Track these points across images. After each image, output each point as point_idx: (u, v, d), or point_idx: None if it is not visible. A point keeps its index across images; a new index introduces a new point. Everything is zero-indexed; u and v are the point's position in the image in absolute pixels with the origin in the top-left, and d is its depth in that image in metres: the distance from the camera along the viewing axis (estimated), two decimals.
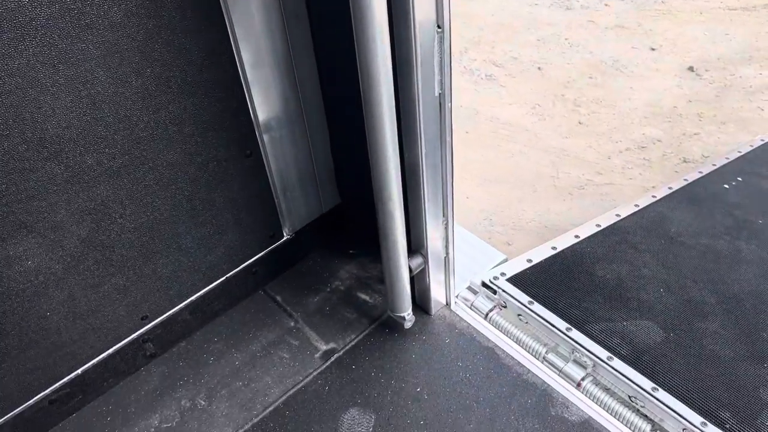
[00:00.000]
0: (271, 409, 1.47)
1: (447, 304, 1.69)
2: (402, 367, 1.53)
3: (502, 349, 1.56)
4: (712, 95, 3.51)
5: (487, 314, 1.67)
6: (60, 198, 1.24)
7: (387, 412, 1.43)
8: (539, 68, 3.95)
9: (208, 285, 1.65)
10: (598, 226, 1.94)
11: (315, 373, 1.54)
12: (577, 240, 1.88)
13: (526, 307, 1.64)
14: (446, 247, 1.56)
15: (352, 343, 1.61)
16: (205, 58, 1.35)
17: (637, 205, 2.04)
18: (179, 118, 1.37)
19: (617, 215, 1.99)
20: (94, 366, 1.48)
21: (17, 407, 1.38)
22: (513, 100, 3.66)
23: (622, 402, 1.44)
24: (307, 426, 1.42)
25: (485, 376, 1.50)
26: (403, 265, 1.45)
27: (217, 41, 1.35)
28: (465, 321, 1.64)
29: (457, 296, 1.71)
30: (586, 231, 1.92)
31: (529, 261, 1.80)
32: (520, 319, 1.66)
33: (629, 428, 1.39)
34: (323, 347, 1.61)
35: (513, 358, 1.54)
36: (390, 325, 1.64)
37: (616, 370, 1.46)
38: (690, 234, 1.90)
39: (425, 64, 1.20)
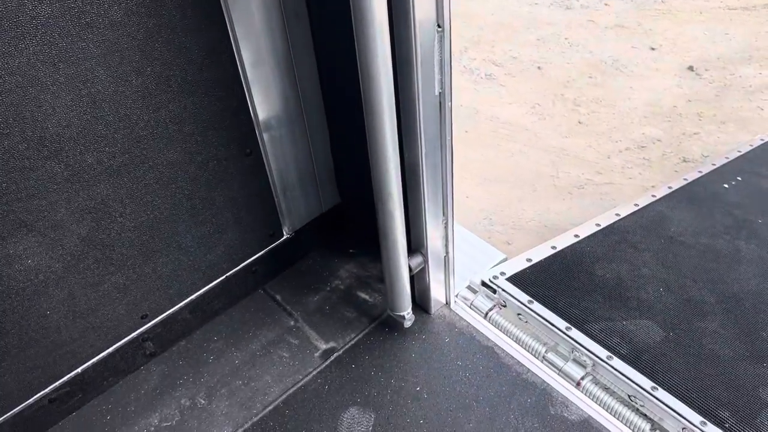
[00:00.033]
0: (270, 408, 1.47)
1: (447, 304, 1.69)
2: (402, 366, 1.54)
3: (502, 349, 1.56)
4: (712, 95, 3.51)
5: (486, 313, 1.67)
6: (60, 197, 1.24)
7: (386, 411, 1.44)
8: (539, 68, 3.95)
9: (208, 284, 1.65)
10: (598, 225, 1.94)
11: (315, 372, 1.54)
12: (576, 239, 1.88)
13: (525, 306, 1.64)
14: (446, 246, 1.56)
15: (352, 342, 1.61)
16: (205, 57, 1.35)
17: (636, 205, 2.04)
18: (179, 117, 1.37)
19: (617, 215, 1.99)
20: (94, 365, 1.48)
21: (17, 406, 1.38)
22: (513, 100, 3.66)
23: (622, 401, 1.44)
24: (307, 425, 1.42)
25: (485, 375, 1.50)
26: (402, 264, 1.45)
27: (217, 40, 1.35)
28: (465, 320, 1.64)
29: (456, 295, 1.71)
30: (586, 230, 1.92)
31: (529, 260, 1.80)
32: (520, 319, 1.66)
33: (629, 427, 1.39)
34: (323, 346, 1.61)
35: (512, 357, 1.54)
36: (390, 325, 1.64)
37: (615, 370, 1.47)
38: (689, 233, 1.90)
39: (425, 64, 1.20)
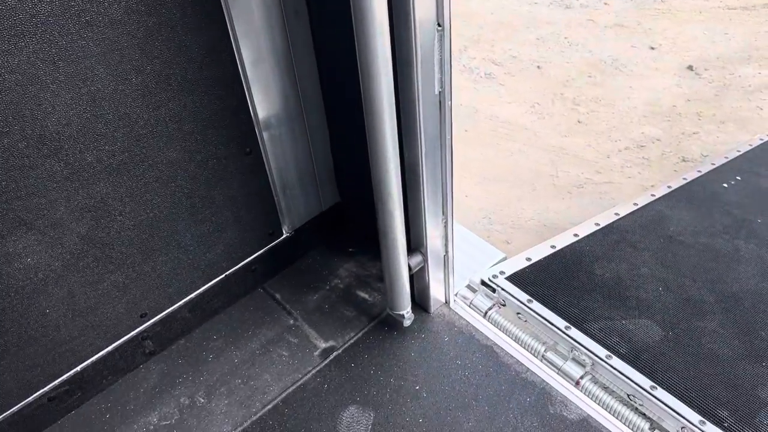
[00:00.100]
0: (270, 406, 1.47)
1: (446, 303, 1.69)
2: (401, 365, 1.54)
3: (501, 348, 1.56)
4: (711, 94, 3.51)
5: (486, 312, 1.67)
6: (59, 195, 1.24)
7: (386, 410, 1.44)
8: (538, 67, 3.95)
9: (208, 283, 1.65)
10: (597, 224, 1.95)
11: (314, 371, 1.54)
12: (576, 239, 1.88)
13: (525, 305, 1.64)
14: (445, 245, 1.57)
15: (352, 341, 1.61)
16: (205, 56, 1.35)
17: (636, 204, 2.04)
18: (179, 116, 1.37)
19: (616, 214, 1.99)
20: (94, 363, 1.48)
21: (16, 404, 1.38)
22: (512, 99, 3.66)
23: (621, 400, 1.44)
24: (306, 424, 1.42)
25: (484, 374, 1.50)
26: (402, 263, 1.45)
27: (217, 39, 1.35)
28: (464, 319, 1.64)
29: (456, 294, 1.71)
30: (585, 230, 1.92)
31: (528, 259, 1.80)
32: (519, 318, 1.66)
33: (628, 427, 1.39)
34: (322, 345, 1.61)
35: (512, 356, 1.54)
36: (389, 324, 1.64)
37: (614, 369, 1.47)
38: (689, 233, 1.90)
39: (425, 63, 1.20)
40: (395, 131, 1.22)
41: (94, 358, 1.48)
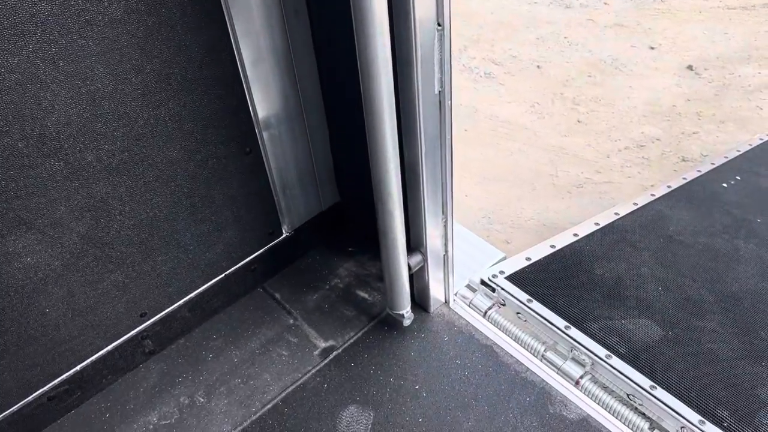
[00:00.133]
0: (269, 406, 1.47)
1: (446, 302, 1.69)
2: (401, 365, 1.54)
3: (501, 347, 1.56)
4: (711, 94, 3.51)
5: (485, 312, 1.67)
6: (59, 194, 1.24)
7: (386, 409, 1.44)
8: (538, 66, 3.95)
9: (207, 282, 1.65)
10: (597, 224, 1.95)
11: (314, 371, 1.54)
12: (575, 238, 1.88)
13: (524, 305, 1.64)
14: (445, 245, 1.57)
15: (351, 340, 1.61)
16: (205, 55, 1.35)
17: (635, 204, 2.04)
18: (179, 115, 1.37)
19: (616, 214, 1.99)
20: (93, 363, 1.48)
21: (16, 404, 1.38)
22: (512, 99, 3.66)
23: (621, 400, 1.44)
24: (306, 423, 1.42)
25: (484, 374, 1.50)
26: (402, 263, 1.45)
27: (217, 38, 1.35)
28: (464, 319, 1.64)
29: (456, 294, 1.71)
30: (585, 229, 1.93)
31: (528, 259, 1.80)
32: (519, 317, 1.67)
33: (627, 426, 1.39)
34: (322, 345, 1.61)
35: (511, 356, 1.54)
36: (389, 323, 1.65)
37: (614, 369, 1.47)
38: (688, 233, 1.90)
39: (425, 62, 1.20)
40: (395, 131, 1.22)
41: (93, 358, 1.48)
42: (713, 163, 2.27)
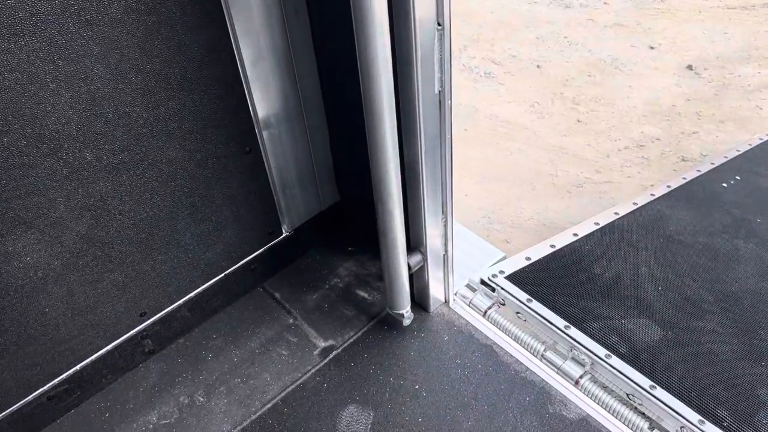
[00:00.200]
0: (269, 405, 1.47)
1: (446, 302, 1.69)
2: (400, 365, 1.54)
3: (501, 347, 1.56)
4: (711, 94, 3.51)
5: (485, 312, 1.67)
6: (59, 194, 1.24)
7: (385, 409, 1.44)
8: (538, 66, 3.95)
9: (207, 282, 1.65)
10: (597, 224, 1.95)
11: (313, 370, 1.54)
12: (575, 238, 1.89)
13: (524, 304, 1.64)
14: (445, 244, 1.57)
15: (351, 340, 1.61)
16: (204, 55, 1.34)
17: (635, 204, 2.04)
18: (179, 115, 1.36)
19: (616, 213, 1.99)
20: (93, 362, 1.48)
21: (16, 403, 1.38)
22: (512, 98, 3.66)
23: (620, 400, 1.44)
24: (306, 423, 1.42)
25: (484, 374, 1.50)
26: (402, 262, 1.45)
27: (217, 38, 1.35)
28: (463, 318, 1.64)
29: (455, 294, 1.71)
30: (585, 229, 1.93)
31: (528, 259, 1.80)
32: (519, 317, 1.67)
33: (627, 426, 1.39)
34: (322, 344, 1.61)
35: (511, 355, 1.54)
36: (389, 323, 1.65)
37: (614, 368, 1.47)
38: (688, 232, 1.91)
39: (425, 62, 1.20)
40: (395, 130, 1.22)
41: (93, 357, 1.48)
42: (713, 163, 2.27)
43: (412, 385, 1.48)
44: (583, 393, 1.46)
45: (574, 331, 1.56)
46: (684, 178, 2.18)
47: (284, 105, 1.57)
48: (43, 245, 1.27)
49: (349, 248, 1.90)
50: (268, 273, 1.80)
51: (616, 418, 1.41)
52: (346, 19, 1.09)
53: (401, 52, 1.19)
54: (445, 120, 1.31)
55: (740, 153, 2.35)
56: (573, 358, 1.53)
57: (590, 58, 3.98)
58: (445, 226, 1.52)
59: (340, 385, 1.50)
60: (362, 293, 1.75)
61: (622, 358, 1.49)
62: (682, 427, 1.36)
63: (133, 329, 1.54)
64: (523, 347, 1.58)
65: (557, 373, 1.51)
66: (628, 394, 1.45)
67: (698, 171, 2.23)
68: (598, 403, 1.44)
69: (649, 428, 1.39)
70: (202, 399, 1.51)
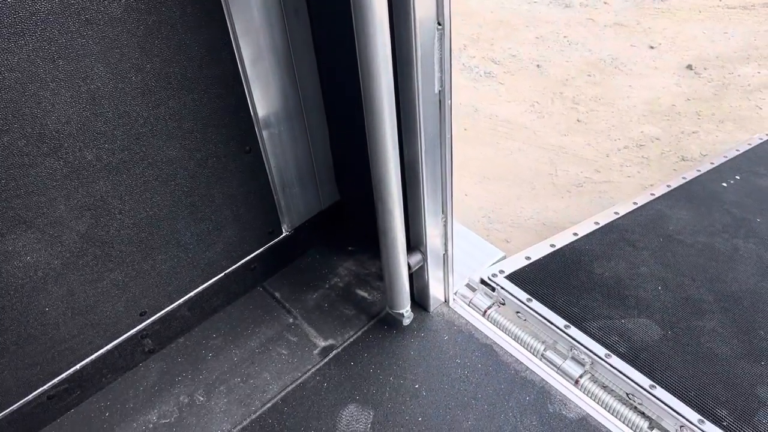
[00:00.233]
0: (269, 405, 1.47)
1: (446, 301, 1.69)
2: (400, 364, 1.54)
3: (501, 347, 1.56)
4: (711, 94, 3.51)
5: (485, 311, 1.68)
6: (59, 193, 1.24)
7: (385, 408, 1.44)
8: (538, 66, 3.95)
9: (207, 281, 1.65)
10: (597, 223, 1.95)
11: (313, 370, 1.54)
12: (575, 238, 1.89)
13: (524, 304, 1.64)
14: (445, 244, 1.57)
15: (351, 339, 1.61)
16: (204, 55, 1.34)
17: (635, 203, 2.04)
18: (179, 114, 1.36)
19: (615, 213, 1.99)
20: (93, 362, 1.48)
21: (15, 403, 1.38)
22: (512, 98, 3.66)
23: (620, 399, 1.44)
24: (306, 422, 1.42)
25: (483, 373, 1.50)
26: (402, 262, 1.45)
27: (217, 37, 1.35)
28: (463, 318, 1.64)
29: (455, 293, 1.71)
30: (585, 229, 1.93)
31: (528, 258, 1.80)
32: (519, 317, 1.67)
33: (627, 425, 1.39)
34: (322, 344, 1.61)
35: (511, 355, 1.54)
36: (388, 322, 1.65)
37: (614, 368, 1.47)
38: (688, 232, 1.91)
39: (425, 61, 1.20)
40: (395, 130, 1.22)
41: (93, 357, 1.48)
42: (713, 163, 2.27)
43: (412, 385, 1.49)
44: (583, 392, 1.46)
45: (573, 331, 1.56)
46: (684, 178, 2.18)
47: (284, 104, 1.57)
48: (43, 244, 1.27)
49: (349, 248, 1.90)
50: (268, 272, 1.80)
51: (615, 417, 1.41)
52: (346, 19, 1.09)
53: (401, 52, 1.19)
54: (445, 119, 1.31)
55: (740, 153, 2.35)
56: (573, 358, 1.53)
57: (590, 57, 3.98)
58: (445, 225, 1.52)
59: (340, 385, 1.50)
60: (362, 293, 1.75)
61: (621, 358, 1.49)
62: (681, 427, 1.36)
63: (133, 329, 1.54)
64: (523, 347, 1.58)
65: (557, 372, 1.51)
66: (627, 394, 1.45)
67: (698, 171, 2.23)
68: (597, 403, 1.44)
69: (648, 428, 1.39)
70: (202, 398, 1.51)
